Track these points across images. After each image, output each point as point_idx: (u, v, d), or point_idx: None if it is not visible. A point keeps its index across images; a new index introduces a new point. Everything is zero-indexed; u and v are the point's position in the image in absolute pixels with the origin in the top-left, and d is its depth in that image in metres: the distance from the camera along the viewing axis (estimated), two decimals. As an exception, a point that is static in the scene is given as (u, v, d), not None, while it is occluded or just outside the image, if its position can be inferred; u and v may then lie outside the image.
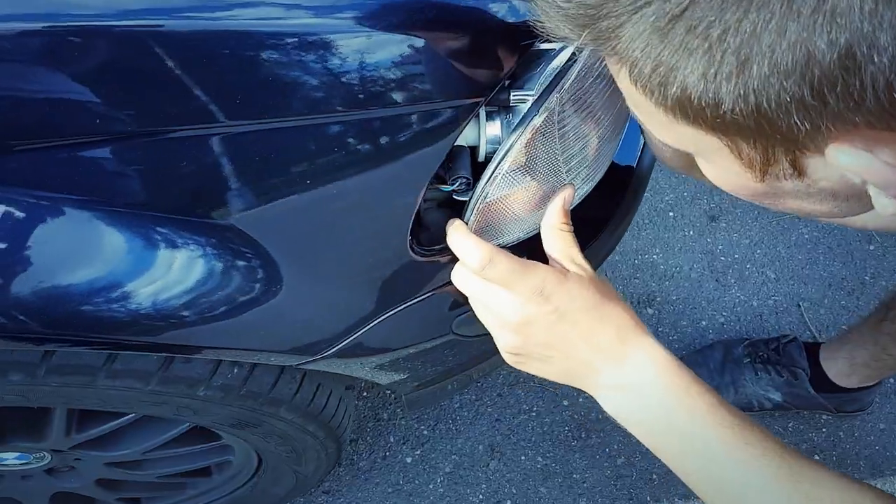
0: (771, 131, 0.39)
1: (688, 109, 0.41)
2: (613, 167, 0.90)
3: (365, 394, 1.60)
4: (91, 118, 0.56)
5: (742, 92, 0.37)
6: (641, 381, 0.68)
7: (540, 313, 0.68)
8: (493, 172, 0.69)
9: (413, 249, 0.75)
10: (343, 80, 0.60)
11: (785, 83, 0.36)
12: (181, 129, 0.59)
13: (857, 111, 0.36)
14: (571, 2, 0.41)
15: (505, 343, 0.72)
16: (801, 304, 1.76)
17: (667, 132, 0.48)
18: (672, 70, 0.39)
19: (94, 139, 0.58)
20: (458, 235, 0.71)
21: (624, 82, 0.45)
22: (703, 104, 0.39)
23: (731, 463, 0.62)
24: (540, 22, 0.45)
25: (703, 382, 0.67)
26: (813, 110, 0.37)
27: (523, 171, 0.71)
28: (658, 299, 1.76)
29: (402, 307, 0.80)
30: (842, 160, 0.39)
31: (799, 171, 0.44)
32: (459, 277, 0.74)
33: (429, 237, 0.77)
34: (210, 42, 0.56)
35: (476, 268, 0.69)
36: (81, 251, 0.63)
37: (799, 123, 0.38)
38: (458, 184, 0.72)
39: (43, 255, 0.62)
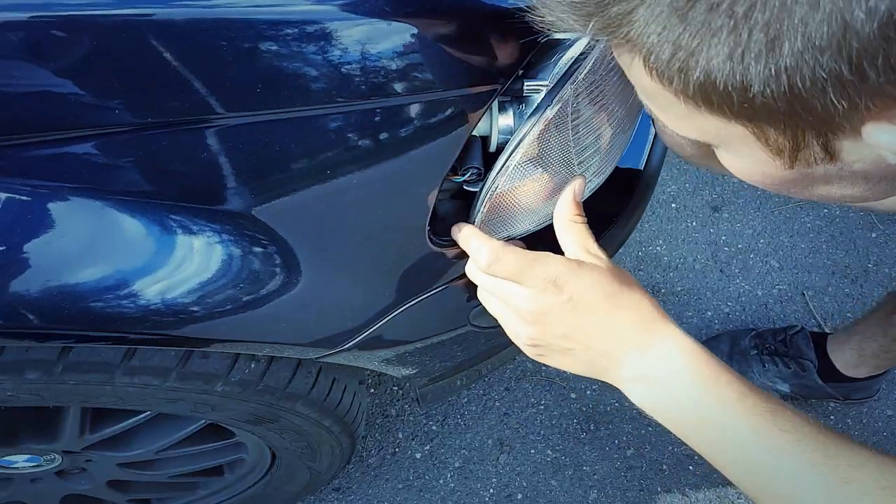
0: (804, 113, 0.37)
1: (712, 96, 0.38)
2: (621, 167, 0.90)
3: (373, 390, 1.59)
4: (108, 110, 0.56)
5: (773, 72, 0.35)
6: (668, 371, 0.65)
7: (554, 304, 0.66)
8: (504, 163, 0.68)
9: (431, 240, 0.74)
10: (360, 68, 0.59)
11: (820, 59, 0.33)
12: (197, 120, 0.59)
13: None
14: None
15: (523, 336, 0.70)
16: (805, 292, 1.76)
17: (686, 124, 0.45)
18: (693, 54, 0.36)
19: (108, 130, 0.58)
20: (464, 233, 0.71)
21: (637, 73, 0.42)
22: (730, 89, 0.37)
23: (765, 451, 0.60)
24: (541, 16, 0.42)
25: (732, 370, 0.64)
26: (851, 87, 0.34)
27: (535, 163, 0.70)
28: (663, 290, 1.76)
29: (421, 298, 0.79)
30: (882, 139, 0.37)
31: (831, 154, 0.42)
32: (472, 273, 0.74)
33: (445, 227, 0.76)
34: (225, 30, 0.55)
35: (484, 266, 0.68)
36: (97, 243, 0.62)
37: (836, 102, 0.35)
38: (469, 174, 0.71)
39: (58, 248, 0.61)
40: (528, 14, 0.44)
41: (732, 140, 0.44)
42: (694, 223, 1.86)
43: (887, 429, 1.61)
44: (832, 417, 1.61)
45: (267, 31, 0.56)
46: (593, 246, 0.70)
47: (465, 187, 0.74)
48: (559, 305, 0.66)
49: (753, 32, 0.34)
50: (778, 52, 0.34)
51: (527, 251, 0.68)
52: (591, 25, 0.39)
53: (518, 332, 0.71)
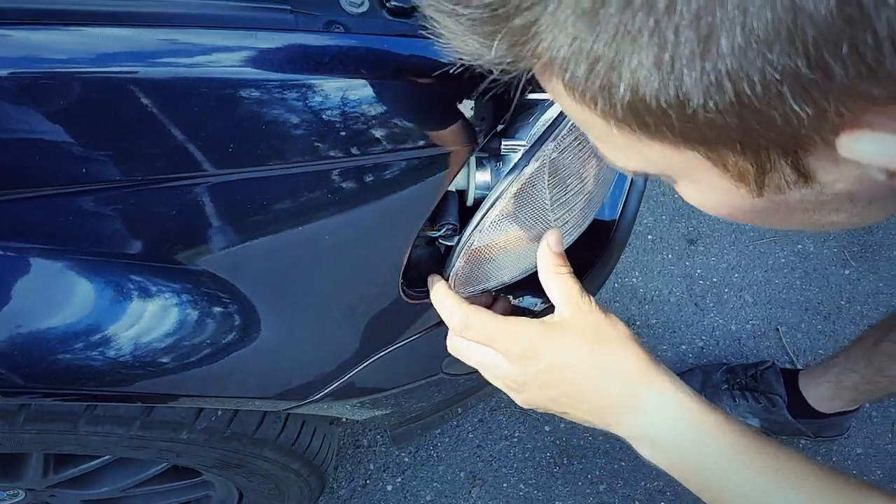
0: (762, 128, 0.29)
1: (645, 118, 0.31)
2: (597, 218, 0.91)
3: (344, 420, 1.58)
4: (64, 168, 0.54)
5: (713, 79, 0.27)
6: (660, 430, 0.61)
7: (531, 373, 0.65)
8: (480, 219, 0.68)
9: (404, 291, 0.74)
10: (336, 127, 0.59)
11: (769, 55, 0.26)
12: (160, 179, 0.58)
13: (874, 79, 0.26)
14: (472, 3, 0.31)
15: (515, 397, 0.68)
16: (779, 328, 1.77)
17: (629, 156, 0.38)
18: (614, 66, 0.29)
19: (67, 189, 0.57)
20: (438, 296, 0.70)
21: (562, 99, 0.35)
22: (665, 106, 0.29)
23: None
24: (446, 42, 0.35)
25: (728, 418, 0.60)
26: (814, 88, 0.26)
27: (511, 219, 0.70)
28: (638, 323, 1.76)
29: (392, 348, 0.79)
30: (861, 151, 0.29)
31: (805, 175, 0.34)
32: (449, 338, 0.72)
33: (418, 275, 0.76)
34: (188, 90, 0.54)
35: (456, 331, 0.68)
36: (54, 301, 0.61)
37: (798, 110, 0.27)
38: (444, 229, 0.71)
39: (13, 307, 0.60)
40: (437, 42, 0.36)
41: (686, 170, 0.36)
42: (670, 255, 1.87)
43: (857, 467, 1.62)
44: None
45: (243, 92, 0.55)
46: (579, 297, 0.66)
47: (440, 242, 0.74)
48: (538, 374, 0.65)
49: (681, 30, 0.26)
50: (714, 52, 0.26)
51: (496, 317, 0.66)
52: (495, 46, 0.32)
53: (508, 392, 0.69)
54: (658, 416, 0.62)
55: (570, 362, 0.64)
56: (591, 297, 0.67)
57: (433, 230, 0.71)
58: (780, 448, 0.58)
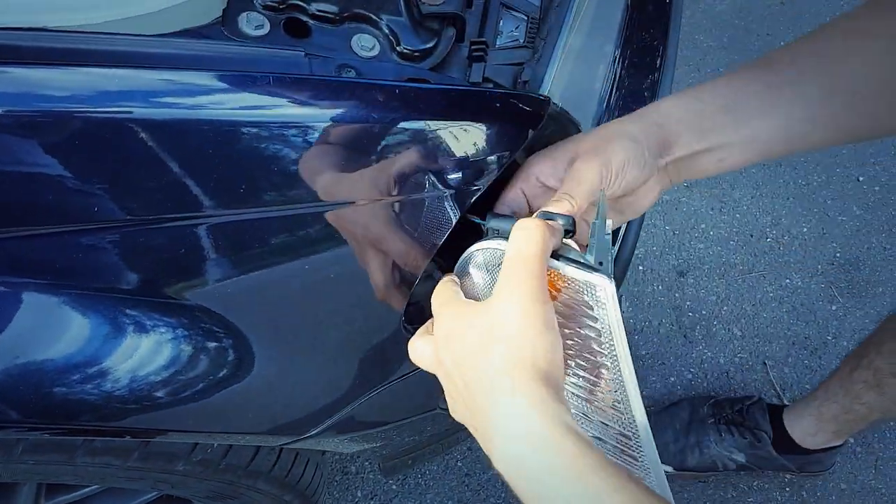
0: None
1: None
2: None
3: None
4: (62, 206, 0.54)
5: None
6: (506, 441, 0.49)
7: (435, 342, 0.57)
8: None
9: (405, 328, 0.74)
10: (339, 167, 0.60)
11: None
12: (158, 219, 0.58)
13: None
14: None
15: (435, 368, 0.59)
16: (766, 362, 1.79)
17: None
18: None
19: (64, 228, 0.57)
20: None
21: None
22: None
23: None
24: None
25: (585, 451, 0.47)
26: None
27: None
28: (627, 354, 1.77)
29: (391, 384, 0.79)
30: None
31: None
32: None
33: (419, 312, 0.77)
34: (187, 131, 0.54)
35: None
36: (49, 336, 0.61)
37: None
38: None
39: (8, 341, 0.60)
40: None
41: None
42: (660, 287, 1.89)
43: (840, 502, 1.63)
44: (788, 490, 1.63)
45: (244, 134, 0.56)
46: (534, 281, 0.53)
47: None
48: (437, 343, 0.56)
49: None
50: None
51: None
52: None
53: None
54: (508, 424, 0.49)
55: (462, 337, 0.53)
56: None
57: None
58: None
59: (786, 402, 1.72)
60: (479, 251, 0.63)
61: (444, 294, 0.60)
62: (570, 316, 0.57)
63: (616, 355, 0.57)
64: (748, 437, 1.56)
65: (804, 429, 1.53)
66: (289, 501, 0.97)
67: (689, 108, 0.67)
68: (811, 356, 1.81)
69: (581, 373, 0.59)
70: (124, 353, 0.64)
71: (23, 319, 0.60)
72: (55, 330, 0.62)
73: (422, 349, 0.60)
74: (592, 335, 0.58)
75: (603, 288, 0.55)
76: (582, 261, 0.56)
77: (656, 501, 0.44)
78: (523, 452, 0.48)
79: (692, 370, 1.77)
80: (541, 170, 0.66)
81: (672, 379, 1.75)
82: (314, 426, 0.76)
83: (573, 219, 0.60)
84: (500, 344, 0.51)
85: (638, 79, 0.94)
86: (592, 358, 0.58)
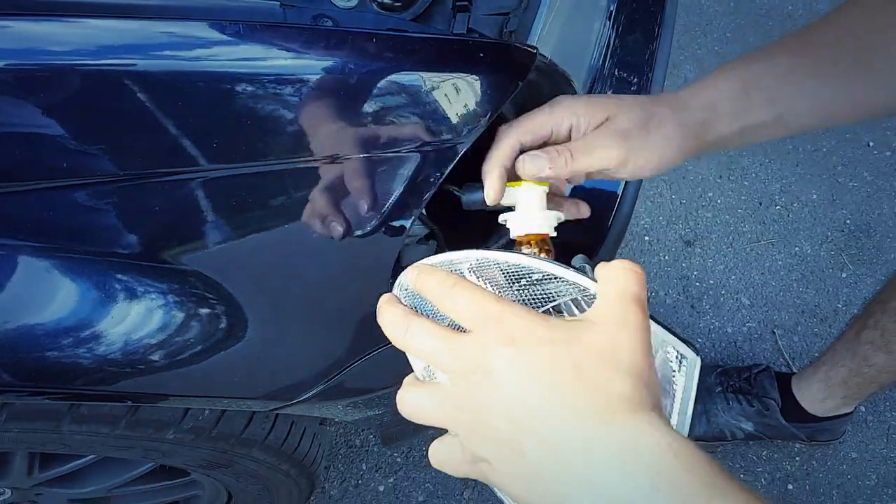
0: None
1: None
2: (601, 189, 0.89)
3: (336, 420, 1.57)
4: (55, 161, 0.54)
5: None
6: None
7: (501, 360, 0.43)
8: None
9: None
10: (326, 123, 0.58)
11: None
12: (150, 174, 0.57)
13: None
14: None
15: (454, 418, 0.45)
16: (775, 331, 1.76)
17: None
18: None
19: (54, 184, 0.56)
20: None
21: None
22: None
23: None
24: None
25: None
26: None
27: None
28: (633, 325, 1.75)
29: (382, 349, 0.78)
30: None
31: None
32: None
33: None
34: (186, 83, 0.53)
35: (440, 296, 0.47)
36: (39, 299, 0.60)
37: None
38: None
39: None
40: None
41: None
42: (666, 257, 1.86)
43: (851, 471, 1.61)
44: (797, 459, 1.61)
45: (236, 86, 0.54)
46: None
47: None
48: (505, 363, 0.43)
49: None
50: None
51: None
52: None
53: (450, 413, 0.45)
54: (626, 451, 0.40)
55: (551, 359, 0.42)
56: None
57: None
58: None
59: (795, 370, 1.69)
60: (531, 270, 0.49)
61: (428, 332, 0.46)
62: None
63: (684, 422, 0.57)
64: (756, 405, 1.54)
65: (813, 395, 1.51)
66: (286, 471, 0.96)
67: (736, 101, 0.65)
68: (821, 324, 1.78)
69: None
70: (114, 318, 0.63)
71: (11, 281, 0.59)
72: (45, 293, 0.61)
73: (427, 404, 0.46)
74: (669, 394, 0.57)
75: (695, 361, 0.56)
76: (677, 332, 0.57)
77: None
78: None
79: (699, 340, 1.75)
80: (581, 110, 0.64)
81: (679, 349, 1.73)
82: (304, 392, 0.75)
83: None
84: (625, 375, 0.42)
85: (634, 36, 0.91)
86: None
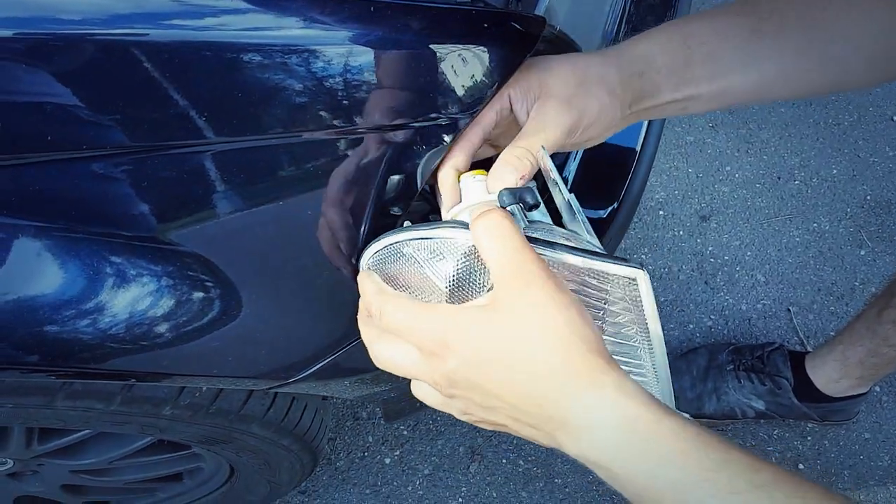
0: None
1: None
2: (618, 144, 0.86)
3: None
4: (60, 133, 0.52)
5: None
6: (598, 446, 0.46)
7: (445, 372, 0.49)
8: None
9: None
10: (334, 95, 0.56)
11: None
12: (147, 147, 0.55)
13: None
14: None
15: (451, 409, 0.53)
16: (790, 308, 1.73)
17: None
18: None
19: (53, 157, 0.54)
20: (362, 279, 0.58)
21: None
22: None
23: None
24: None
25: (686, 423, 0.46)
26: None
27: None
28: (645, 300, 1.72)
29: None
30: None
31: None
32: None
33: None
34: (193, 53, 0.51)
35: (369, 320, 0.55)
36: (36, 276, 0.59)
37: None
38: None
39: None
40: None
41: None
42: (681, 232, 1.83)
43: (864, 452, 1.59)
44: (809, 439, 1.59)
45: (246, 55, 0.52)
46: (517, 253, 0.48)
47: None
48: (454, 372, 0.49)
49: None
50: None
51: (415, 304, 0.52)
52: None
53: (441, 406, 0.54)
54: (592, 427, 0.46)
55: (488, 354, 0.48)
56: (536, 254, 0.49)
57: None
58: (763, 463, 0.44)
59: (809, 349, 1.66)
60: (412, 241, 0.55)
61: (404, 309, 0.51)
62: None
63: (652, 348, 0.56)
64: (768, 383, 1.52)
65: (828, 374, 1.48)
66: (287, 446, 0.95)
67: (676, 55, 0.63)
68: (837, 302, 1.75)
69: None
70: (108, 296, 0.62)
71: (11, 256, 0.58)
72: (43, 270, 0.60)
73: (424, 391, 0.54)
74: (624, 323, 0.56)
75: (644, 280, 0.53)
76: (600, 251, 0.54)
77: (763, 467, 0.44)
78: (620, 440, 0.45)
79: (712, 317, 1.72)
80: (512, 91, 0.61)
81: (691, 326, 1.71)
82: (300, 371, 0.73)
83: (536, 192, 0.57)
84: (551, 345, 0.47)
85: (650, 1, 0.88)
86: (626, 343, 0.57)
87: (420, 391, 0.55)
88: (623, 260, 0.53)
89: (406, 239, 0.55)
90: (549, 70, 0.61)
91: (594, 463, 0.46)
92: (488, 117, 0.61)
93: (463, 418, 0.54)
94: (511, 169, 0.58)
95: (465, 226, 0.52)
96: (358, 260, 0.62)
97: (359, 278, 0.59)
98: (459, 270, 0.53)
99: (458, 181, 0.61)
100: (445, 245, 0.54)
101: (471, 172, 0.61)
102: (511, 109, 0.62)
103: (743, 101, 0.66)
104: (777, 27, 0.63)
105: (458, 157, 0.61)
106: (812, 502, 0.42)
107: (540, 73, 0.61)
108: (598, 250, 0.55)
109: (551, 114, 0.59)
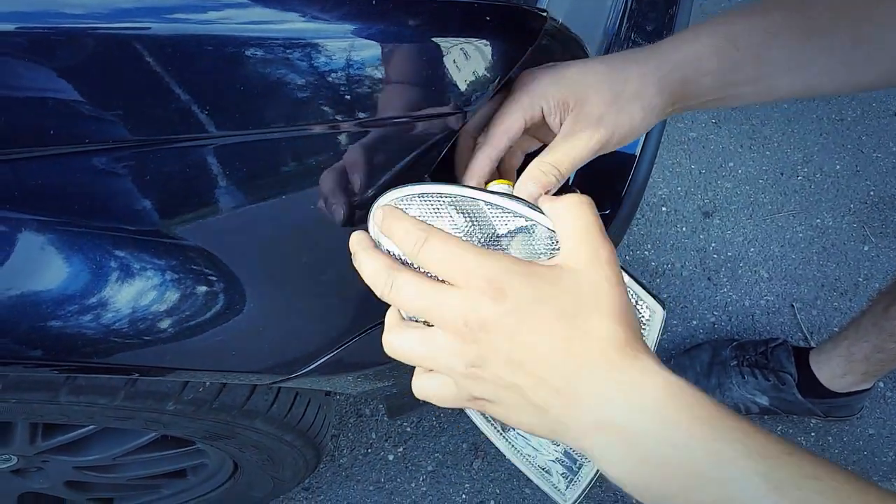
0: None
1: None
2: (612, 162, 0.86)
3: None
4: (63, 127, 0.52)
5: None
6: (632, 414, 0.44)
7: (492, 314, 0.45)
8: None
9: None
10: (337, 89, 0.56)
11: None
12: (151, 141, 0.55)
13: None
14: None
15: (454, 366, 0.47)
16: (794, 304, 1.73)
17: None
18: None
19: (55, 152, 0.54)
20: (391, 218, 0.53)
21: None
22: None
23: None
24: None
25: (733, 417, 0.43)
26: None
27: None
28: (648, 297, 1.72)
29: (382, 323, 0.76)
30: None
31: None
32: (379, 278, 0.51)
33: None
34: (196, 46, 0.51)
35: (410, 250, 0.49)
36: (39, 271, 0.59)
37: None
38: None
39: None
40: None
41: None
42: (684, 228, 1.83)
43: (868, 448, 1.59)
44: (813, 435, 1.59)
45: (246, 50, 0.52)
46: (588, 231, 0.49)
47: None
48: (498, 317, 0.45)
49: None
50: None
51: (468, 243, 0.49)
52: None
53: (446, 362, 0.47)
54: (637, 389, 0.44)
55: (541, 314, 0.46)
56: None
57: None
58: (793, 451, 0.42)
59: (813, 345, 1.66)
60: (464, 198, 0.53)
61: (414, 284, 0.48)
62: None
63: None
64: (772, 379, 1.52)
65: (832, 370, 1.48)
66: (290, 442, 0.95)
67: (724, 58, 0.61)
68: (841, 298, 1.75)
69: None
70: (112, 291, 0.61)
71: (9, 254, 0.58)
72: (45, 265, 0.60)
73: (431, 380, 0.50)
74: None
75: (660, 314, 0.55)
76: (643, 282, 0.56)
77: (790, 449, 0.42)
78: (652, 424, 0.43)
79: (715, 313, 1.72)
80: (545, 103, 0.62)
81: (694, 322, 1.71)
82: (303, 366, 0.73)
83: None
84: (608, 321, 0.46)
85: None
86: None
87: (421, 379, 0.51)
88: (653, 294, 0.55)
89: (461, 195, 0.53)
90: (586, 83, 0.61)
91: (618, 427, 0.44)
92: (517, 125, 0.62)
93: (464, 382, 0.48)
94: (537, 182, 0.58)
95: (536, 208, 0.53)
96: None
97: (384, 212, 0.53)
98: (521, 243, 0.53)
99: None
100: (510, 217, 0.53)
101: (496, 181, 0.61)
102: (543, 118, 0.62)
103: (785, 97, 0.65)
104: (830, 24, 0.62)
105: (484, 164, 0.62)
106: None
107: (575, 87, 0.61)
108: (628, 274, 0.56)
109: (582, 135, 0.59)
